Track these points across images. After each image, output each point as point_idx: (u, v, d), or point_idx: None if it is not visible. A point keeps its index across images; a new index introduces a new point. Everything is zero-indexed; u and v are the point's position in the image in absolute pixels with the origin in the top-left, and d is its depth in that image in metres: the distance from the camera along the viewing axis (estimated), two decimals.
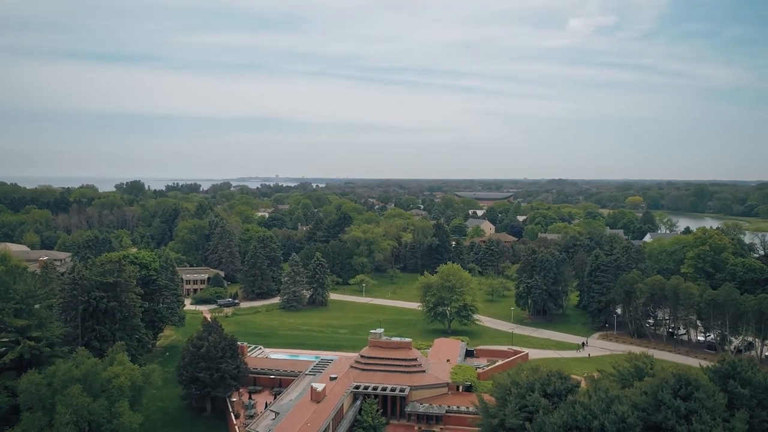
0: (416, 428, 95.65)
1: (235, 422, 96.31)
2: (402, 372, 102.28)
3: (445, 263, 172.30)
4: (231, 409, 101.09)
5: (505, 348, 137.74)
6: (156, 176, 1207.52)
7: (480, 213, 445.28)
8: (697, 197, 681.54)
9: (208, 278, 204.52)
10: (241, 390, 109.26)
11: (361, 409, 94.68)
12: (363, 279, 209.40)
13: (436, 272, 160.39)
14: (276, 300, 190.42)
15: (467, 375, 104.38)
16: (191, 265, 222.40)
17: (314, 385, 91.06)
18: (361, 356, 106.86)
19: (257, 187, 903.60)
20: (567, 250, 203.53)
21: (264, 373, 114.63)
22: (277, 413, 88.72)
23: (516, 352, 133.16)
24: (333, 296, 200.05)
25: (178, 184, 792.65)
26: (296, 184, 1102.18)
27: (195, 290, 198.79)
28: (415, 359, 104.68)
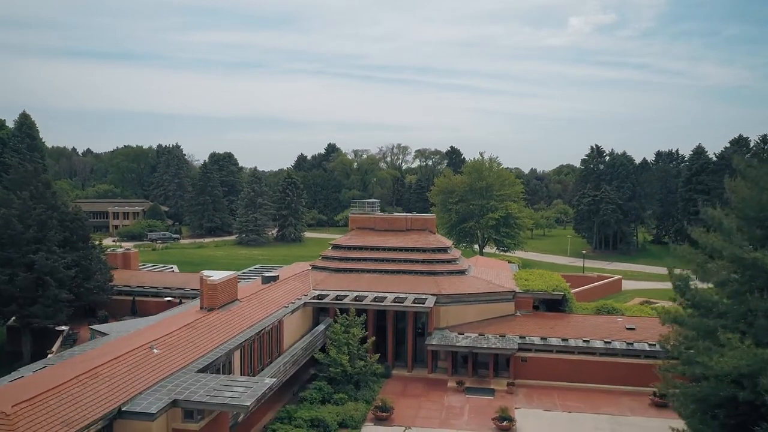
0: (451, 384, 42.35)
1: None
2: (418, 272, 48.86)
3: None
4: (55, 350, 47.93)
5: (578, 275, 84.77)
6: None
7: None
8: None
9: (143, 211, 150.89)
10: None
11: (326, 343, 41.44)
12: None
13: (460, 172, 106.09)
14: (233, 238, 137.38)
15: (551, 283, 50.75)
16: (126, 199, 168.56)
17: (206, 273, 37.68)
18: (334, 246, 53.21)
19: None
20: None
21: (153, 294, 60.61)
22: (104, 334, 35.48)
23: (602, 277, 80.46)
24: (313, 235, 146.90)
25: None
26: None
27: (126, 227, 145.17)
28: (446, 249, 51.08)
